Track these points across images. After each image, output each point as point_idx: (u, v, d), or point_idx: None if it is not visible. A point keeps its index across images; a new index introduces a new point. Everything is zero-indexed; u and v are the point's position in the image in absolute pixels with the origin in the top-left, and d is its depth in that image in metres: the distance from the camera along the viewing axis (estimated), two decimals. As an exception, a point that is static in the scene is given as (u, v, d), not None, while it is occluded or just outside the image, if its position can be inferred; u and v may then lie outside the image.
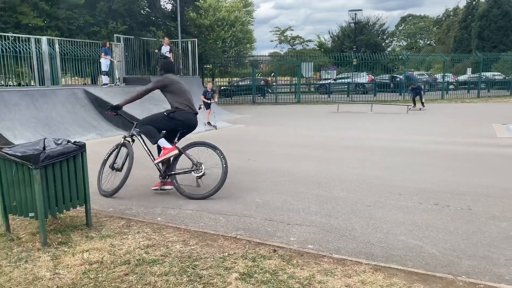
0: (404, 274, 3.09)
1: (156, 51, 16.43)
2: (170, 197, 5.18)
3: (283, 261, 3.31)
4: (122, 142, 5.37)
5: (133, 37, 17.06)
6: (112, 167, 5.36)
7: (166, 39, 16.15)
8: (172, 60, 15.77)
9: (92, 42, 15.40)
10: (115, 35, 16.39)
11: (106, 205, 4.89)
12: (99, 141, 10.10)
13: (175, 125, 5.19)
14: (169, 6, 24.24)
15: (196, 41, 17.76)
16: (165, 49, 15.72)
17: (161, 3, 23.55)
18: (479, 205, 4.76)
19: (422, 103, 18.52)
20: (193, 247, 3.59)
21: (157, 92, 5.41)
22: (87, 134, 10.49)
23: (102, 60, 14.12)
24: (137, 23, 21.10)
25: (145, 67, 17.90)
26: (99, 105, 11.94)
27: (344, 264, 3.26)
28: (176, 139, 5.25)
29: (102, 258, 3.36)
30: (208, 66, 32.05)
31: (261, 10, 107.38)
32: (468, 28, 50.78)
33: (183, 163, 5.31)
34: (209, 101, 13.39)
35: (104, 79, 14.19)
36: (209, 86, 14.16)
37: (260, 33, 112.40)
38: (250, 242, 3.71)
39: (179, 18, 19.32)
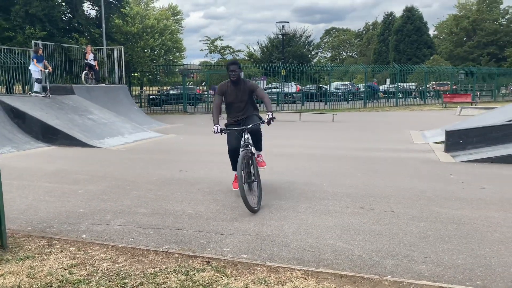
0: (334, 277, 3.20)
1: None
2: (96, 213, 4.91)
3: (217, 273, 3.27)
4: (248, 154, 5.01)
5: (53, 43, 16.09)
6: (247, 182, 5.11)
7: (89, 47, 15.43)
8: (97, 68, 15.11)
9: (6, 48, 14.24)
10: (33, 41, 15.32)
11: (24, 224, 4.51)
12: (16, 154, 9.34)
13: None
14: (93, 12, 23.24)
15: (123, 48, 17.19)
16: (89, 57, 15.01)
17: (84, 9, 22.48)
18: (401, 207, 5.07)
19: None
20: (122, 264, 3.42)
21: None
22: (1, 147, 9.65)
23: (32, 67, 12.98)
24: (58, 29, 19.93)
25: (67, 75, 16.94)
26: (16, 115, 11.06)
27: (277, 272, 3.29)
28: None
29: (19, 283, 3.08)
30: (136, 74, 31.16)
31: (191, 19, 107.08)
32: (386, 41, 54.64)
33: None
34: None
35: (36, 86, 13.00)
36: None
37: (191, 42, 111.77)
38: (182, 256, 3.62)
39: (103, 25, 18.59)
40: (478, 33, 50.04)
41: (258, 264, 3.44)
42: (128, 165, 8.03)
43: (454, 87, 33.42)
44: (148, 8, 46.34)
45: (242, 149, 5.00)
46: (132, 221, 4.59)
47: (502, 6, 52.31)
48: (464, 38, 52.03)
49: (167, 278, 3.17)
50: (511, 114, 10.24)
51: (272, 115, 5.03)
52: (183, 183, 6.37)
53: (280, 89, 28.59)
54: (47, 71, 13.04)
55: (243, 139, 5.06)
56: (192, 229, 4.32)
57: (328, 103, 26.10)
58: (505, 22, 51.96)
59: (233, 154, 5.25)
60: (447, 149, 9.00)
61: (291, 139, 11.83)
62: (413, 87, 34.11)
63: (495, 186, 6.09)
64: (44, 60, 13.33)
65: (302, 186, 6.09)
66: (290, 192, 5.78)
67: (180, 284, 3.06)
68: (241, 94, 5.27)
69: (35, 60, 12.92)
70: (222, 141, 12.41)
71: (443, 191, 5.83)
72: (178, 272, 3.26)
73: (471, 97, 27.51)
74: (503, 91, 36.12)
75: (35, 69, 12.99)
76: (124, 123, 12.96)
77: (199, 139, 12.13)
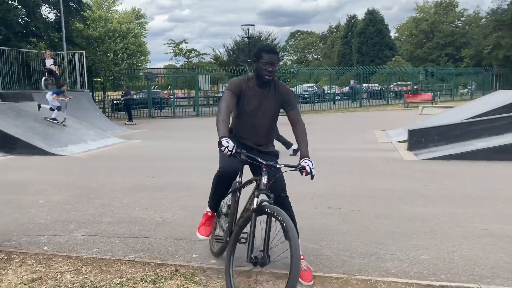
0: (304, 279, 3.20)
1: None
2: (58, 223, 4.72)
3: (186, 280, 3.21)
4: (261, 208, 2.90)
5: (9, 48, 15.45)
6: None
7: (48, 52, 14.89)
8: (57, 74, 14.61)
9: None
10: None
11: (-20, 239, 4.28)
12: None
13: None
14: (52, 16, 22.50)
15: (84, 53, 16.73)
16: (48, 62, 14.49)
17: (42, 13, 21.74)
18: (367, 205, 5.16)
19: None
20: (86, 276, 3.30)
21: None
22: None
23: (49, 97, 12.20)
24: (14, 33, 19.17)
25: (26, 81, 16.30)
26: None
27: (248, 276, 3.26)
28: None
29: (-26, 301, 2.91)
30: (99, 79, 30.41)
31: (156, 22, 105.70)
32: (349, 43, 55.86)
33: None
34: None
35: (55, 114, 12.04)
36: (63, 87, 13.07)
37: (156, 45, 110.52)
38: (150, 264, 3.53)
39: (63, 29, 18.03)
40: (436, 35, 51.96)
41: (228, 269, 3.40)
42: (92, 173, 7.80)
43: (415, 87, 34.54)
44: (110, 11, 45.35)
45: (256, 196, 2.91)
46: (96, 230, 4.44)
47: (457, 9, 54.62)
48: (424, 40, 53.90)
49: (134, 287, 3.09)
50: (468, 113, 10.68)
51: (312, 164, 3.05)
52: (149, 190, 6.24)
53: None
54: (67, 100, 12.37)
55: (261, 181, 2.92)
56: (160, 236, 4.23)
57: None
58: (460, 24, 54.24)
59: (225, 179, 3.29)
60: (410, 148, 9.26)
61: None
62: (377, 88, 35.01)
63: (455, 182, 6.31)
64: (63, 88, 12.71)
65: (270, 189, 6.10)
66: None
67: (147, 294, 2.98)
68: (268, 104, 3.22)
69: (54, 95, 12.17)
70: (187, 146, 12.10)
71: (407, 189, 5.99)
72: (146, 281, 3.18)
73: (431, 96, 28.54)
74: (461, 90, 37.65)
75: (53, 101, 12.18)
76: (87, 129, 12.60)
77: (164, 144, 11.95)
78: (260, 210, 2.88)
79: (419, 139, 9.23)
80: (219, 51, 49.32)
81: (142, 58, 48.86)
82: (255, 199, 2.90)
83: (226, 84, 3.35)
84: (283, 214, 2.75)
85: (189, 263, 3.55)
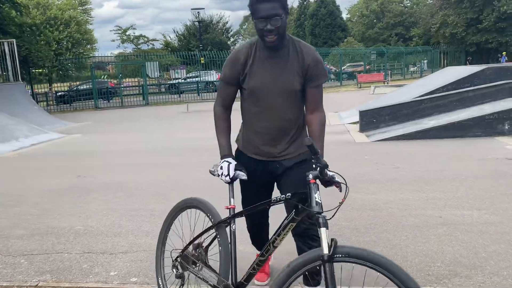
0: None
1: None
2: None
3: (95, 308, 2.65)
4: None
5: None
6: None
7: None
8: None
9: None
10: None
11: None
12: None
13: None
14: (-22, 2, 20.53)
15: (15, 41, 15.31)
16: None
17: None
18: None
19: None
20: (-30, 313, 2.67)
21: None
22: None
23: None
24: None
25: None
26: None
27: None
28: None
29: None
30: (41, 70, 28.51)
31: (105, 9, 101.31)
32: (302, 26, 55.69)
33: None
34: None
35: None
36: None
37: (105, 33, 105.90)
38: (56, 289, 2.94)
39: (-9, 16, 16.44)
40: (386, 15, 52.75)
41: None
42: (18, 175, 6.95)
43: (367, 67, 34.90)
44: (51, -3, 42.54)
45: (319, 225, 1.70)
46: (1, 247, 3.76)
47: (406, -11, 55.67)
48: (374, 20, 54.58)
49: (27, 326, 2.49)
50: (418, 91, 10.56)
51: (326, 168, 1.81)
52: (78, 192, 5.54)
53: (200, 78, 27.77)
54: None
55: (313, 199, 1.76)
56: (76, 250, 3.61)
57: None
58: (409, 4, 55.33)
59: (255, 233, 2.67)
60: (362, 129, 9.00)
61: (211, 131, 11.26)
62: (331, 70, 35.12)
63: (408, 165, 6.04)
64: None
65: (220, 182, 5.57)
66: (206, 189, 5.24)
67: (42, 333, 2.40)
68: (286, 76, 2.17)
69: None
70: (132, 139, 11.31)
71: (358, 174, 5.64)
72: (44, 315, 2.59)
73: (383, 76, 28.84)
74: (412, 69, 38.49)
75: None
76: (20, 125, 11.49)
77: (106, 138, 11.10)
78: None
79: (370, 119, 8.99)
80: (170, 37, 47.75)
81: (89, 46, 46.46)
82: (321, 231, 1.65)
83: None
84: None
85: (105, 284, 2.99)
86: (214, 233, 2.20)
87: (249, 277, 2.06)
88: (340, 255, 1.63)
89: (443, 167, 5.80)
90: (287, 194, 1.89)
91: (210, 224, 2.22)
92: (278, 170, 2.31)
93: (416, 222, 3.83)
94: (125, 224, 4.21)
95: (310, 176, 1.76)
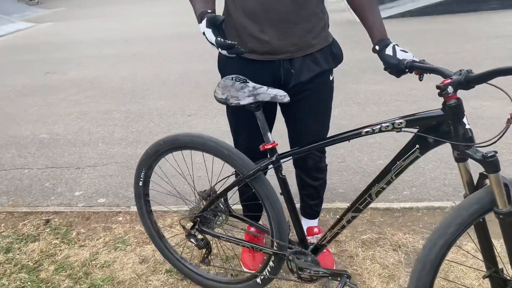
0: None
1: None
2: None
3: (56, 239, 2.25)
4: None
5: None
6: None
7: None
8: None
9: None
10: None
11: None
12: None
13: None
14: None
15: None
16: None
17: None
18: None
19: None
20: None
21: None
22: None
23: None
24: None
25: None
26: None
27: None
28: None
29: None
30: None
31: None
32: None
33: None
34: None
35: None
36: None
37: None
38: (13, 215, 2.53)
39: None
40: None
41: (119, 212, 2.46)
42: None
43: None
44: None
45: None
46: (-47, 164, 3.29)
47: None
48: None
49: (-25, 264, 2.12)
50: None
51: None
52: (44, 92, 4.93)
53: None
54: None
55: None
56: (38, 165, 3.15)
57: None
58: None
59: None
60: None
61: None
62: None
63: (417, 46, 5.35)
64: None
65: (197, 77, 4.94)
66: (181, 89, 4.64)
67: (-9, 274, 2.03)
68: None
69: None
70: (109, 26, 10.49)
71: (359, 60, 5.00)
72: (-5, 249, 2.21)
73: None
74: None
75: None
76: (-18, 14, 10.34)
77: (81, 26, 10.03)
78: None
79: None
80: None
81: None
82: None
83: None
84: None
85: (69, 206, 2.57)
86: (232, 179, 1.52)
87: (333, 238, 1.45)
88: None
89: (457, 47, 5.13)
90: (395, 119, 1.18)
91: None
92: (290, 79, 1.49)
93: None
94: (95, 130, 3.69)
95: (450, 89, 1.08)
